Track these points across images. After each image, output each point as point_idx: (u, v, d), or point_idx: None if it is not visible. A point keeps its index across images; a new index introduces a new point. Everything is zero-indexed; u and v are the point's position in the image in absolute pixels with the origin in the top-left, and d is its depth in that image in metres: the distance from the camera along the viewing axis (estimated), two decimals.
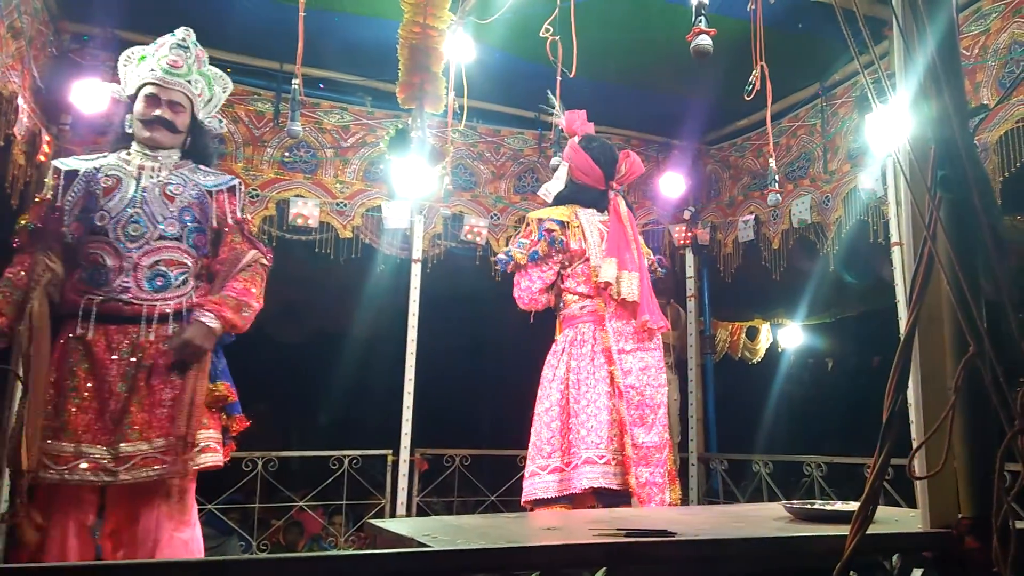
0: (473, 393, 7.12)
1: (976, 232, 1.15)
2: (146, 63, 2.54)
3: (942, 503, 1.21)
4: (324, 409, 6.51)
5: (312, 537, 4.94)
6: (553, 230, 3.11)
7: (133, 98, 2.53)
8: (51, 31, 3.55)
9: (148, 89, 2.50)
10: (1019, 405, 1.03)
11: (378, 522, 1.53)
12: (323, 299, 5.98)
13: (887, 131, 3.35)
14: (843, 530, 1.12)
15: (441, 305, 4.57)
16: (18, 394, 2.17)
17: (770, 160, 3.54)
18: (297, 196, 4.19)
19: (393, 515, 4.07)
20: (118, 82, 2.64)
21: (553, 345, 3.18)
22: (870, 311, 5.96)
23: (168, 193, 2.46)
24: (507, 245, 3.42)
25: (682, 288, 5.16)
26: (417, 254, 4.29)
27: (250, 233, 2.62)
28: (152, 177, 2.47)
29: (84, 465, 2.19)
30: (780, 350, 7.39)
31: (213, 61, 2.74)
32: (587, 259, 3.12)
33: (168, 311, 2.36)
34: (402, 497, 4.10)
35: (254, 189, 4.13)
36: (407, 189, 4.11)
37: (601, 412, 2.92)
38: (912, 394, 1.27)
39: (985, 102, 3.24)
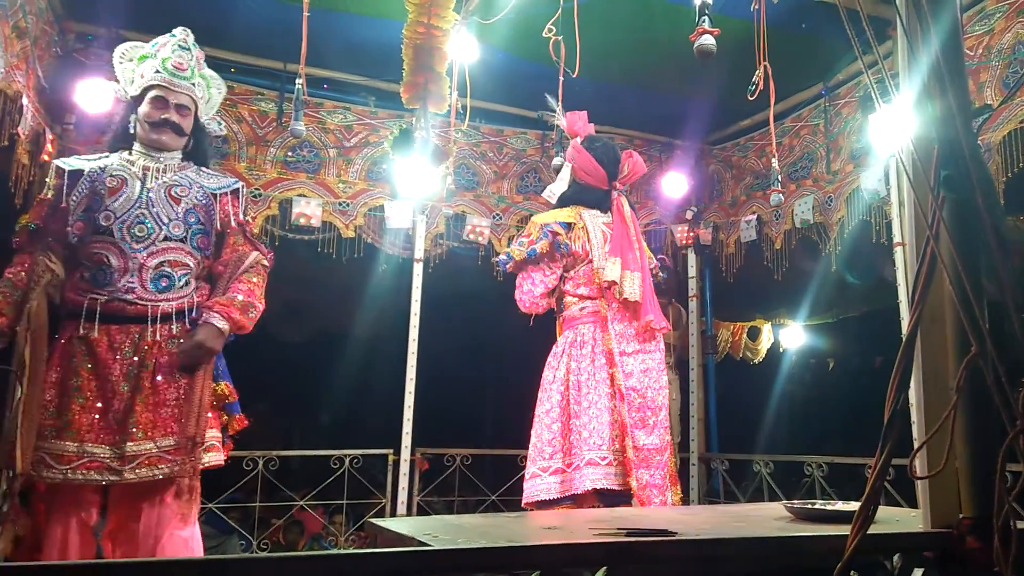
0: (474, 393, 7.13)
1: (979, 232, 1.15)
2: (149, 63, 2.53)
3: (943, 503, 1.21)
4: (325, 408, 6.52)
5: (312, 536, 4.94)
6: (559, 233, 3.12)
7: (137, 99, 2.53)
8: (56, 31, 3.56)
9: (155, 91, 2.50)
10: (1021, 405, 1.03)
11: (379, 521, 1.53)
12: (325, 299, 5.99)
13: (890, 131, 3.34)
14: (844, 530, 1.12)
15: (443, 305, 4.57)
16: (17, 395, 2.17)
17: (773, 160, 3.53)
18: (300, 196, 4.20)
19: (394, 514, 4.07)
20: (117, 80, 2.63)
21: (553, 347, 3.18)
22: (872, 311, 5.95)
23: (174, 195, 2.47)
24: (509, 245, 3.42)
25: (684, 288, 5.16)
26: (419, 254, 4.30)
27: (252, 235, 2.64)
28: (157, 178, 2.48)
29: (88, 464, 2.19)
30: (782, 350, 7.38)
31: (217, 61, 2.75)
32: (589, 261, 3.12)
33: (171, 311, 2.37)
34: (403, 496, 4.10)
35: (257, 189, 4.14)
36: (410, 189, 4.11)
37: (603, 414, 2.92)
38: (914, 394, 1.27)
39: (989, 102, 3.24)
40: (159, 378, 2.31)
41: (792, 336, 7.36)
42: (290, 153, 4.25)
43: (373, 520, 1.57)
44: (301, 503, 4.39)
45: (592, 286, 3.11)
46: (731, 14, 3.33)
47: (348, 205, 4.31)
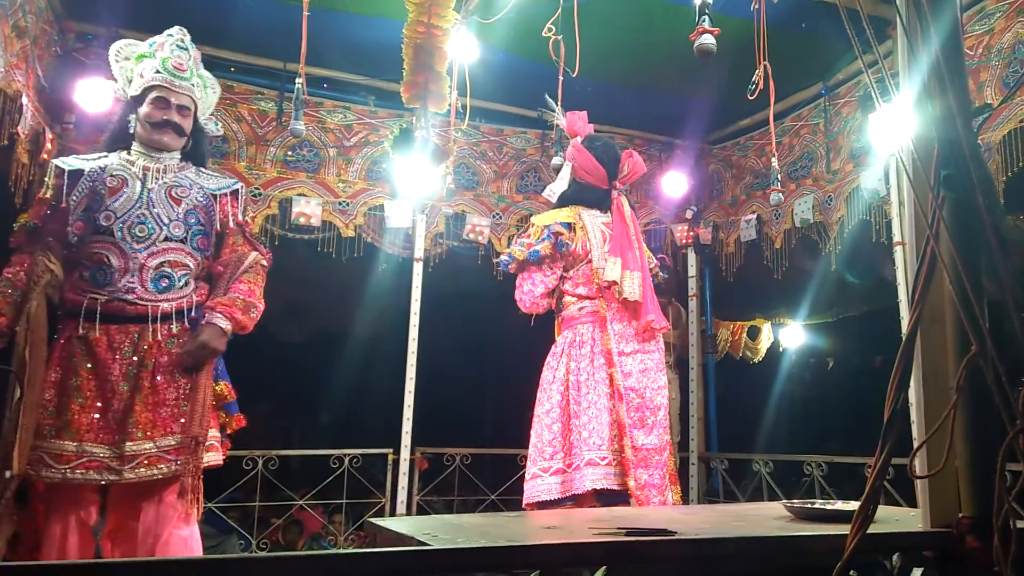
0: (474, 392, 7.12)
1: (979, 232, 1.15)
2: (148, 63, 2.51)
3: (943, 502, 1.21)
4: (325, 408, 6.52)
5: (312, 536, 4.94)
6: (560, 233, 3.12)
7: (137, 99, 2.53)
8: (55, 30, 3.56)
9: (157, 92, 2.49)
10: (1021, 405, 1.03)
11: (378, 521, 1.53)
12: (325, 298, 5.99)
13: (890, 130, 3.34)
14: (843, 529, 1.12)
15: (443, 304, 4.57)
16: (16, 395, 2.17)
17: (773, 159, 3.54)
18: (300, 195, 4.20)
19: (393, 514, 4.07)
20: (115, 79, 2.63)
21: (552, 347, 3.18)
22: (872, 311, 5.95)
23: (174, 196, 2.47)
24: (509, 245, 3.42)
25: (684, 287, 5.16)
26: (419, 253, 4.29)
27: (251, 235, 2.65)
28: (158, 179, 2.48)
29: (87, 464, 2.19)
30: (781, 350, 7.38)
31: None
32: (589, 261, 3.12)
33: (170, 311, 2.37)
34: (402, 496, 4.10)
35: (257, 188, 4.14)
36: (409, 188, 4.11)
37: (602, 414, 2.91)
38: (914, 393, 1.27)
39: (989, 102, 3.23)
40: (159, 378, 2.31)
41: (792, 335, 7.37)
42: (290, 152, 4.25)
43: (372, 520, 1.57)
44: (300, 502, 4.39)
45: (591, 286, 3.11)
46: (731, 13, 3.33)
47: (348, 204, 4.31)
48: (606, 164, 3.21)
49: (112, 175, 2.43)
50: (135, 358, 2.30)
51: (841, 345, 7.64)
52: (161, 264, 2.38)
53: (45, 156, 3.35)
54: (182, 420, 2.30)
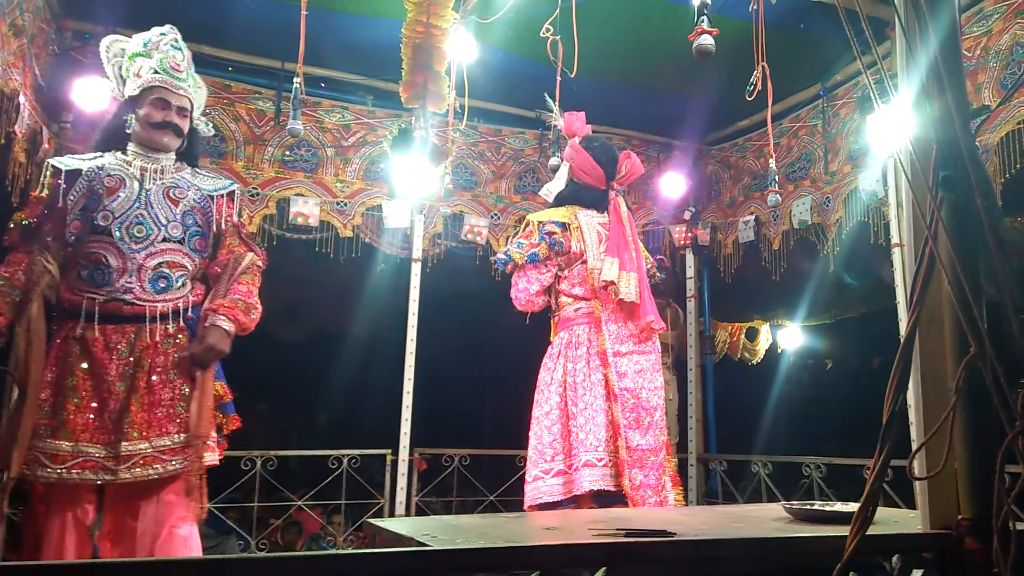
0: (472, 393, 7.12)
1: (977, 233, 1.15)
2: (144, 62, 2.49)
3: (942, 504, 1.21)
4: (323, 408, 6.51)
5: (311, 536, 4.93)
6: (554, 232, 3.12)
7: (135, 99, 2.51)
8: (53, 29, 3.55)
9: (156, 93, 2.48)
10: (1020, 406, 1.03)
11: (377, 521, 1.53)
12: (323, 298, 5.98)
13: (888, 132, 3.34)
14: (843, 531, 1.11)
15: (441, 305, 4.57)
16: (15, 395, 2.17)
17: (771, 161, 3.54)
18: (297, 195, 4.19)
19: (392, 515, 4.06)
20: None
21: (549, 348, 3.18)
22: (870, 312, 5.95)
23: (172, 196, 2.47)
24: (507, 245, 3.42)
25: (682, 288, 5.16)
26: (417, 253, 4.29)
27: (246, 236, 2.64)
28: (155, 179, 2.47)
29: (83, 464, 2.19)
30: (780, 351, 7.38)
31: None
32: (584, 261, 3.12)
33: (167, 311, 2.37)
34: (401, 497, 4.09)
35: (255, 188, 4.13)
36: (407, 188, 4.11)
37: (598, 415, 2.91)
38: (912, 395, 1.27)
39: (987, 103, 3.24)
40: (154, 378, 2.30)
41: (790, 337, 7.36)
42: (288, 152, 4.24)
43: (371, 520, 1.57)
44: (299, 503, 4.39)
45: (587, 286, 3.11)
46: (730, 14, 3.33)
47: (346, 204, 4.30)
48: (604, 164, 3.21)
49: (110, 175, 2.42)
50: (131, 358, 2.29)
51: (839, 346, 7.64)
52: (159, 265, 2.38)
53: (42, 155, 3.35)
54: (179, 420, 2.29)
